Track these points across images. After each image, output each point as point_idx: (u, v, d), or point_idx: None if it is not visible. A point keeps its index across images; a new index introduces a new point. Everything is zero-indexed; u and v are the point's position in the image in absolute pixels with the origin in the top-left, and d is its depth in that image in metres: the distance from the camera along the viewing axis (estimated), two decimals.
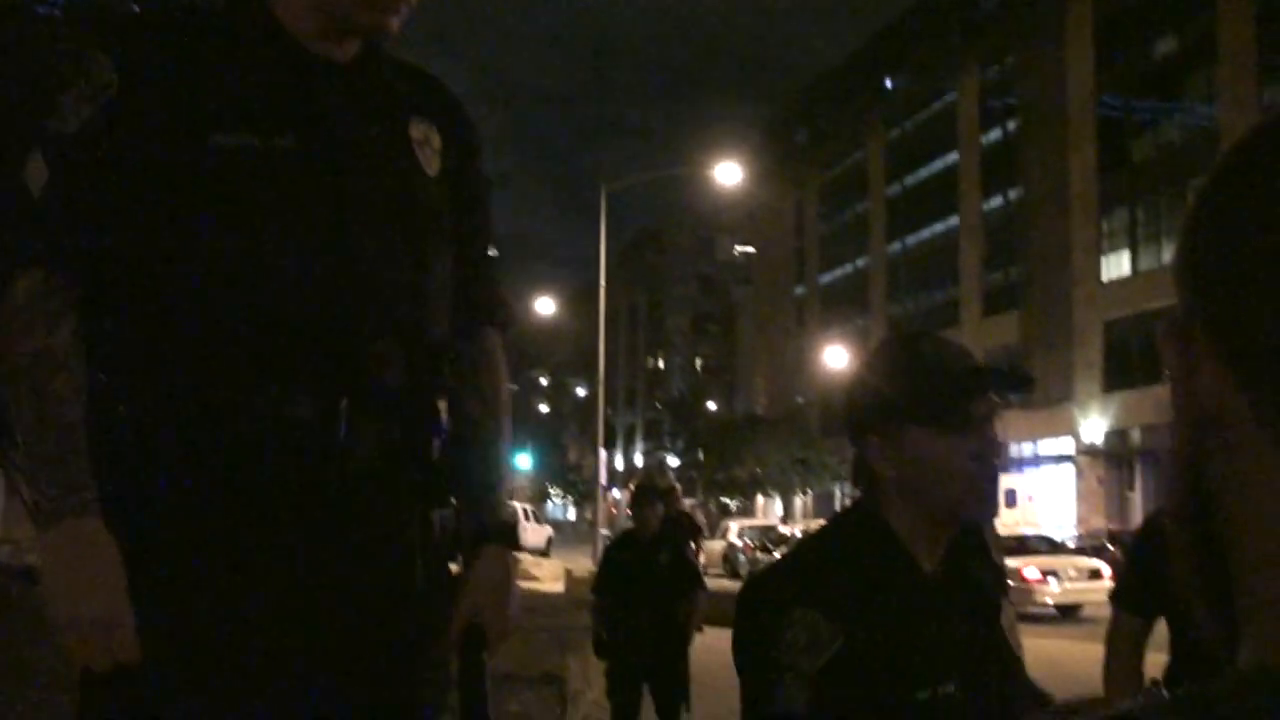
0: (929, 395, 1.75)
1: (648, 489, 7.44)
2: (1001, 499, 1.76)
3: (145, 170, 1.70)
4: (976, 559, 1.88)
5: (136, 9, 1.82)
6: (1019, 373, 1.83)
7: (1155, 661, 3.27)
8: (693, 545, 14.62)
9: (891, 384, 1.78)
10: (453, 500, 1.93)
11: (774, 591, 1.79)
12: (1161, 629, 3.37)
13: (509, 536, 1.93)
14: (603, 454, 32.41)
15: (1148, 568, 3.39)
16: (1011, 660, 1.90)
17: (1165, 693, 0.54)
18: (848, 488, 55.67)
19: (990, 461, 1.78)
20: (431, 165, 1.94)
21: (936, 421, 1.75)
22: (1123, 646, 3.42)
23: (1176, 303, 0.59)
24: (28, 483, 1.59)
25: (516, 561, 1.95)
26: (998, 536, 1.96)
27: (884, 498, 1.80)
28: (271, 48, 1.82)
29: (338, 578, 1.75)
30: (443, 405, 1.94)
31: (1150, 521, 3.84)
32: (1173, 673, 3.22)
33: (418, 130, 1.94)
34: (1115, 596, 3.61)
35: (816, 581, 1.75)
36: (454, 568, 1.94)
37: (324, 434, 1.75)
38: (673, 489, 16.78)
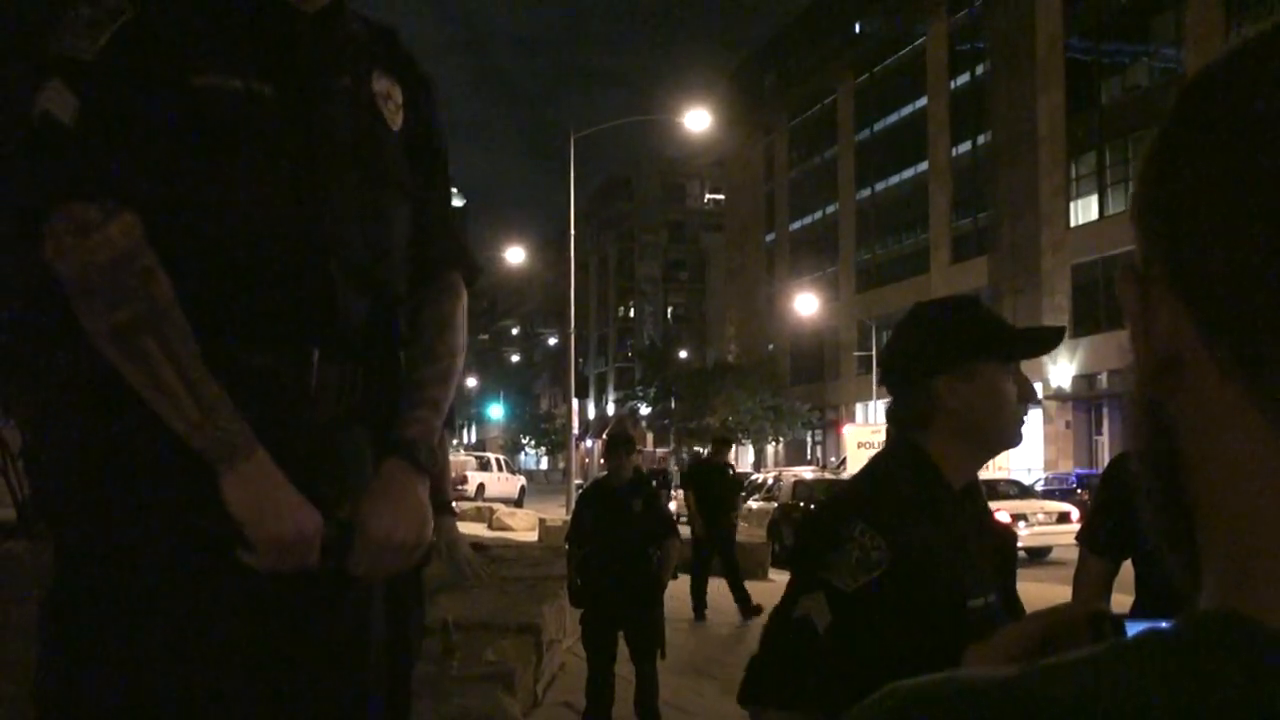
0: (1001, 337, 2.02)
1: (620, 438, 7.45)
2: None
3: (141, 105, 1.68)
4: (982, 508, 2.14)
5: None
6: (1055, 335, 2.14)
7: (1121, 602, 3.32)
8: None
9: (970, 326, 2.02)
10: None
11: (832, 513, 1.98)
12: (1128, 570, 3.42)
13: (408, 452, 1.84)
14: (575, 403, 32.47)
15: (1113, 509, 3.44)
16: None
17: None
18: (818, 435, 56.18)
19: (1027, 403, 2.08)
20: (394, 120, 1.94)
21: (1006, 358, 2.02)
22: (1089, 587, 3.47)
23: (1135, 244, 0.59)
24: (188, 427, 1.61)
25: (420, 482, 1.85)
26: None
27: (928, 435, 2.00)
28: None
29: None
30: (402, 356, 1.94)
31: (1115, 463, 3.89)
32: (1138, 613, 3.27)
33: (380, 84, 1.94)
34: (1082, 537, 3.66)
35: (870, 502, 1.95)
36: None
37: (294, 384, 1.75)
38: (730, 441, 15.20)
